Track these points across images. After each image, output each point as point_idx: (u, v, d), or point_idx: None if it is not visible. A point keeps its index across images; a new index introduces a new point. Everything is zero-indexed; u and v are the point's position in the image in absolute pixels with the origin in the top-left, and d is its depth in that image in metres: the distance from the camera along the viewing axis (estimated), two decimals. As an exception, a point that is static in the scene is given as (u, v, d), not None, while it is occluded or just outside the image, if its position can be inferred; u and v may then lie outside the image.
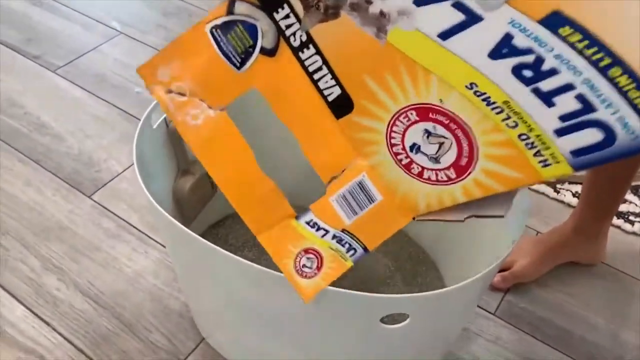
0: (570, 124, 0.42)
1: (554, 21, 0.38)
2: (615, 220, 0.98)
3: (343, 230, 0.56)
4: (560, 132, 0.43)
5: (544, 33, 0.39)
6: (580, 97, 0.40)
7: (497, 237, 0.63)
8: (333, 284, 0.53)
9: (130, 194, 0.99)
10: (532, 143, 0.44)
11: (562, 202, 1.02)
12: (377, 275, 0.79)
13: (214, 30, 0.50)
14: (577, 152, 0.43)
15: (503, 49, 0.41)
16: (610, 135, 0.41)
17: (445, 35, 0.42)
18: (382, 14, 0.44)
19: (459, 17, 0.41)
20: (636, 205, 1.01)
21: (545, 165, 0.45)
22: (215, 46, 0.51)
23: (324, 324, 0.57)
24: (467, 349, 0.81)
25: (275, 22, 0.49)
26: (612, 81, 0.39)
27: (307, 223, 0.56)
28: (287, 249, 0.55)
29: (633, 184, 1.05)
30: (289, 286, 0.53)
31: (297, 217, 0.56)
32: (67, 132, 1.10)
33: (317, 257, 0.56)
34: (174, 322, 0.82)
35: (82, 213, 0.96)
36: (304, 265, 0.55)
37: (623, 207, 1.00)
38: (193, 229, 0.58)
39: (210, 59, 0.51)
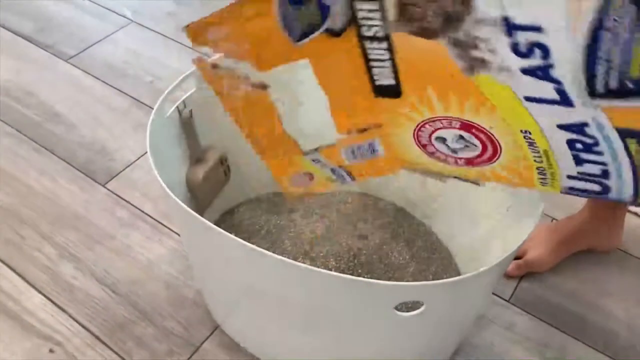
0: (583, 178, 0.49)
1: (628, 133, 0.43)
2: (631, 207, 0.97)
3: (340, 166, 0.63)
4: (571, 177, 0.50)
5: (614, 136, 0.44)
6: (605, 172, 0.47)
7: (510, 227, 0.62)
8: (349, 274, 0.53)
9: (143, 183, 1.00)
10: (545, 173, 0.51)
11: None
12: (392, 263, 0.79)
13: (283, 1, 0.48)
14: (573, 189, 0.51)
15: (573, 127, 0.45)
16: (605, 191, 0.49)
17: (531, 100, 0.44)
18: (482, 60, 0.43)
19: (554, 96, 0.43)
20: (653, 191, 1.00)
21: (543, 184, 0.52)
22: (280, 18, 0.49)
23: (339, 311, 0.57)
24: (482, 335, 0.81)
25: (354, 10, 0.46)
26: (635, 173, 0.46)
27: (312, 159, 0.64)
28: (287, 170, 0.66)
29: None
30: (303, 274, 0.53)
31: (304, 154, 0.64)
32: (80, 121, 1.10)
33: (309, 176, 0.65)
34: (188, 309, 0.82)
35: (97, 202, 0.96)
36: (296, 179, 0.65)
37: None
38: (207, 216, 0.58)
39: (269, 27, 0.49)
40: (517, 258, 0.86)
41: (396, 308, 0.54)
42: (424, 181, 0.83)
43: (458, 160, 0.54)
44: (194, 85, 0.74)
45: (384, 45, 0.47)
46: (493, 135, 0.50)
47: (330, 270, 0.67)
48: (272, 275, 0.57)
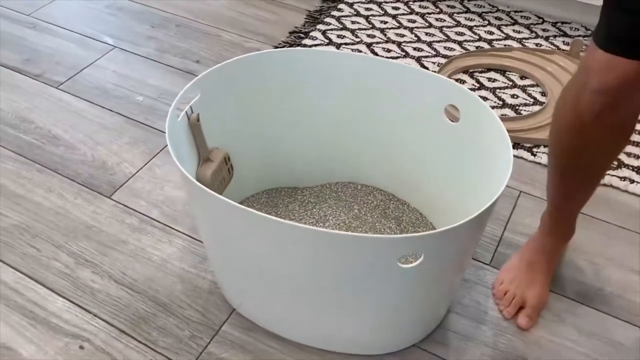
0: None
1: None
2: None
3: None
4: None
5: None
6: None
7: (481, 194, 0.73)
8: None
9: (147, 192, 1.07)
10: None
11: (539, 163, 1.13)
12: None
13: None
14: None
15: None
16: None
17: None
18: None
19: None
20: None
21: None
22: None
23: (347, 270, 0.67)
24: (469, 296, 0.91)
25: None
26: None
27: None
28: None
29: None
30: (313, 236, 0.62)
31: None
32: (78, 142, 1.17)
33: None
34: (204, 298, 0.90)
35: (105, 212, 1.03)
36: None
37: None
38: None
39: None
40: (520, 308, 0.87)
41: (399, 261, 0.63)
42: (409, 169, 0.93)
43: None
44: (198, 92, 0.82)
45: None
46: None
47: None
48: (284, 242, 0.66)
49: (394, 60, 0.86)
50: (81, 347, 0.84)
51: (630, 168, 1.11)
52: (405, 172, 0.95)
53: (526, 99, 1.28)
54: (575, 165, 0.76)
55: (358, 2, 1.59)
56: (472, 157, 0.83)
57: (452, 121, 0.85)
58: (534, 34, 1.47)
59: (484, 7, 1.57)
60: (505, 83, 1.32)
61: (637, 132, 1.18)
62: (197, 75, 1.35)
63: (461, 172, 0.86)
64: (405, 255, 0.63)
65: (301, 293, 0.74)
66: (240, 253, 0.74)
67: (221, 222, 0.71)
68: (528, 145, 1.16)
